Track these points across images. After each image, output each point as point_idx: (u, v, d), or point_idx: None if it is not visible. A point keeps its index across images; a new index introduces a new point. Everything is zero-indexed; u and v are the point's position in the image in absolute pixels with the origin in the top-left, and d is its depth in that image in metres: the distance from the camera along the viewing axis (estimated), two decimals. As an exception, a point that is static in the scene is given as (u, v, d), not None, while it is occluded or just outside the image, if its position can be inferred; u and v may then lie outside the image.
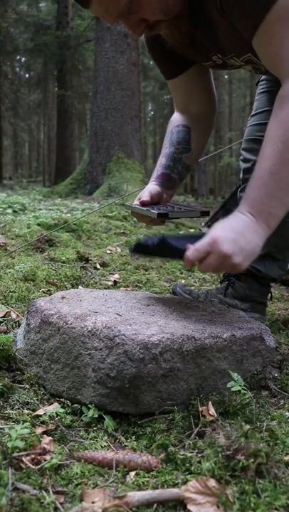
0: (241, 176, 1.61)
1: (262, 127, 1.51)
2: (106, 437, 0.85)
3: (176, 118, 1.46)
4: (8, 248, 2.38)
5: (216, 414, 0.87)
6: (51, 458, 0.73)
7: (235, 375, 0.93)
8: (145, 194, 1.29)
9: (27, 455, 0.74)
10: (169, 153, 1.41)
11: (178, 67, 1.36)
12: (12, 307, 1.49)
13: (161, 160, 1.42)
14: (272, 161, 0.99)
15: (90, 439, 0.84)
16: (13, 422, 0.86)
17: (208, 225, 4.50)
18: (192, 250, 0.99)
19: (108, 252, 2.73)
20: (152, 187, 1.34)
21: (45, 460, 0.74)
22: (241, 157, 1.61)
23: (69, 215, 3.92)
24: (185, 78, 1.37)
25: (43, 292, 1.70)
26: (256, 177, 1.02)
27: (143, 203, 1.27)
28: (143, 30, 1.08)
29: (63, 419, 0.88)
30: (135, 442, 0.83)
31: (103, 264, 2.33)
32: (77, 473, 0.72)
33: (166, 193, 1.36)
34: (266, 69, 1.21)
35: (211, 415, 0.87)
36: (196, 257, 0.99)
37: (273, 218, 1.01)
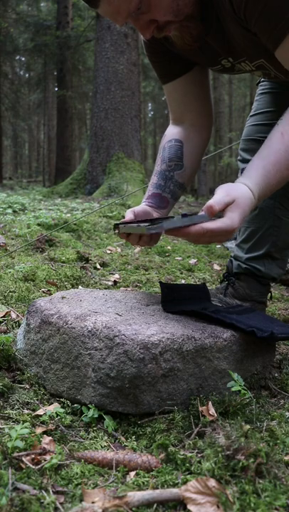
0: (239, 175, 1.61)
1: (261, 128, 1.51)
2: (106, 437, 0.85)
3: (170, 132, 1.42)
4: (8, 248, 2.38)
5: (216, 414, 0.87)
6: (51, 458, 0.73)
7: (235, 375, 0.93)
8: (128, 214, 1.24)
9: (27, 455, 0.74)
10: (160, 171, 1.37)
11: (177, 70, 1.32)
12: (12, 307, 1.49)
13: (153, 179, 1.38)
14: (280, 163, 1.02)
15: (90, 439, 0.84)
16: (13, 422, 0.86)
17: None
18: (205, 232, 0.95)
19: (108, 252, 2.73)
20: (139, 206, 1.31)
21: (45, 460, 0.74)
22: (239, 157, 1.61)
23: (69, 215, 3.92)
24: (183, 82, 1.33)
25: (43, 292, 1.70)
26: (272, 161, 1.03)
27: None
28: (152, 32, 1.05)
29: (63, 419, 0.88)
30: (135, 442, 0.83)
31: (103, 264, 2.33)
32: (77, 473, 0.72)
33: (159, 213, 1.33)
34: (275, 74, 1.20)
35: (211, 415, 0.87)
36: (214, 210, 0.97)
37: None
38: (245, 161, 1.57)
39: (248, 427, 0.76)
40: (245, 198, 1.01)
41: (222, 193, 1.00)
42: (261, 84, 1.55)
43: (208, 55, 1.21)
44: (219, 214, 0.99)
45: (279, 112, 1.46)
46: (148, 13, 1.01)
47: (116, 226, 1.13)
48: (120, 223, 1.13)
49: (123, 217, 4.34)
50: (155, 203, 1.34)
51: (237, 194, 1.00)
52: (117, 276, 2.12)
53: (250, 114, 1.57)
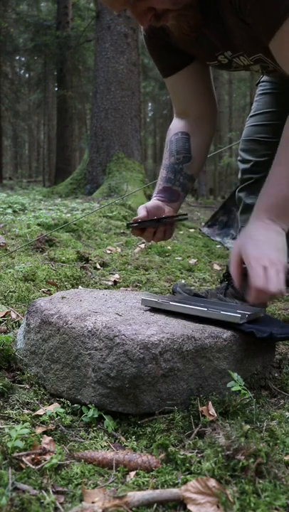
0: (239, 176, 1.61)
1: (261, 128, 1.51)
2: (106, 437, 0.85)
3: (175, 125, 1.41)
4: (8, 248, 2.38)
5: (216, 414, 0.87)
6: (51, 458, 0.73)
7: (235, 375, 0.93)
8: (141, 210, 1.26)
9: (27, 455, 0.74)
10: (168, 164, 1.37)
11: (177, 63, 1.31)
12: (12, 307, 1.49)
13: (162, 173, 1.37)
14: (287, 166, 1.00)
15: (90, 439, 0.84)
16: (13, 422, 0.86)
17: (209, 225, 4.50)
18: (256, 288, 0.94)
19: (108, 252, 2.73)
20: (151, 202, 1.31)
21: (45, 460, 0.74)
22: (239, 158, 1.61)
23: (69, 215, 3.92)
24: (184, 75, 1.32)
25: (43, 292, 1.70)
26: (274, 182, 1.02)
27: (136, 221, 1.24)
28: (150, 20, 1.04)
29: (63, 419, 0.88)
30: (135, 442, 0.83)
31: (103, 264, 2.33)
32: (77, 473, 0.72)
33: (171, 207, 1.33)
34: (274, 67, 1.20)
35: (211, 415, 0.87)
36: (264, 289, 0.94)
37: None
38: (245, 162, 1.57)
39: (248, 427, 0.76)
40: (243, 235, 1.03)
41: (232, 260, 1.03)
42: (261, 84, 1.54)
43: (206, 49, 1.20)
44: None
45: (279, 113, 1.47)
46: (146, 1, 1.00)
47: (128, 226, 1.20)
48: (132, 223, 1.20)
49: (123, 217, 4.31)
50: (166, 197, 1.34)
51: (236, 245, 1.03)
52: (117, 276, 2.12)
53: (250, 114, 1.57)
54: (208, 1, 1.05)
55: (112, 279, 2.04)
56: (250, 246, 0.99)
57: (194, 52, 1.27)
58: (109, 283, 1.99)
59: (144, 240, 3.26)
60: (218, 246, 3.59)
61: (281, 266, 0.96)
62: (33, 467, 0.72)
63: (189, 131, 1.37)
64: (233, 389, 0.91)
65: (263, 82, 1.54)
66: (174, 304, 1.08)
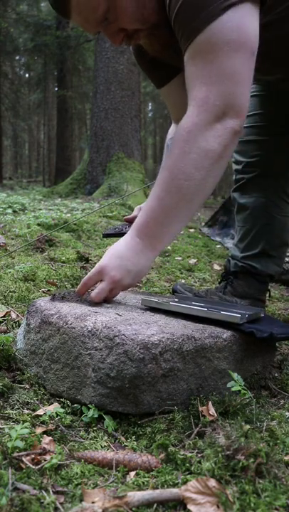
0: (234, 177, 1.64)
1: (250, 130, 1.55)
2: (106, 437, 0.85)
3: (172, 131, 1.45)
4: (8, 248, 2.38)
5: (216, 414, 0.87)
6: (51, 458, 0.73)
7: (235, 375, 0.93)
8: (135, 211, 1.30)
9: (27, 455, 0.74)
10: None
11: (165, 75, 1.35)
12: (12, 307, 1.49)
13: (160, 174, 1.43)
14: (160, 187, 1.03)
15: (90, 439, 0.84)
16: (13, 422, 0.86)
17: (209, 225, 4.50)
18: (83, 283, 1.08)
19: (108, 252, 2.72)
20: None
21: (45, 460, 0.74)
22: (233, 159, 1.64)
23: (69, 215, 3.92)
24: (175, 84, 1.35)
25: (43, 292, 1.70)
26: (147, 202, 1.06)
27: (128, 220, 1.30)
28: (122, 40, 1.09)
29: (63, 419, 0.88)
30: (135, 442, 0.83)
31: (103, 264, 2.32)
32: (77, 473, 0.72)
33: None
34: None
35: (211, 415, 0.87)
36: (87, 286, 1.09)
37: (159, 242, 1.06)
38: (238, 163, 1.60)
39: (248, 427, 0.76)
40: (116, 243, 1.08)
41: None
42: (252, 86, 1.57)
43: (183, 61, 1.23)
44: None
45: (265, 114, 1.51)
46: (116, 22, 1.05)
47: (104, 236, 1.29)
48: (108, 233, 1.28)
49: (123, 216, 4.33)
50: None
51: (110, 250, 1.09)
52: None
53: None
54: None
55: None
56: (107, 257, 1.06)
57: (177, 64, 1.29)
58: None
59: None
60: (218, 246, 3.59)
61: (118, 285, 1.06)
62: (33, 467, 0.72)
63: None
64: (233, 389, 0.91)
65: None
66: (174, 304, 1.08)
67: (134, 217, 1.24)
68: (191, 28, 0.95)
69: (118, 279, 1.04)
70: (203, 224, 4.90)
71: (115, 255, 1.06)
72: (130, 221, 1.26)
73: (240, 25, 0.92)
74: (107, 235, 1.27)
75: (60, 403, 0.94)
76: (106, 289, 1.06)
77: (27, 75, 20.90)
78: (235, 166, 1.62)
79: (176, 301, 1.11)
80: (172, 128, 1.45)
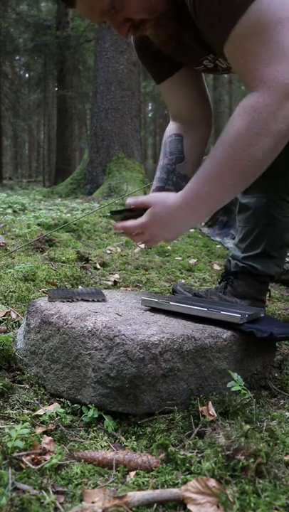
0: None
1: None
2: (106, 437, 0.85)
3: (170, 128, 1.44)
4: (8, 248, 2.38)
5: (216, 414, 0.87)
6: (51, 458, 0.73)
7: (235, 375, 0.93)
8: (128, 201, 1.31)
9: (27, 455, 0.74)
10: (162, 165, 1.40)
11: (167, 70, 1.33)
12: (12, 307, 1.49)
13: (156, 174, 1.41)
14: (220, 164, 1.02)
15: (90, 439, 0.84)
16: (13, 422, 0.86)
17: (209, 225, 4.50)
18: (125, 228, 1.13)
19: (108, 252, 2.73)
20: None
21: (45, 460, 0.74)
22: None
23: (69, 215, 3.92)
24: (175, 80, 1.34)
25: (43, 292, 1.70)
26: (203, 174, 1.05)
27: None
28: (128, 30, 1.07)
29: (63, 419, 0.88)
30: (135, 442, 0.83)
31: (103, 264, 2.33)
32: (77, 473, 0.72)
33: None
34: None
35: (211, 415, 0.87)
36: (129, 233, 1.15)
37: (206, 213, 1.11)
38: None
39: (248, 427, 0.76)
40: (162, 203, 1.10)
41: (146, 198, 1.14)
42: None
43: (190, 54, 1.22)
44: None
45: None
46: (122, 12, 1.02)
47: (113, 213, 1.25)
48: (116, 210, 1.26)
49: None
50: None
51: (155, 201, 1.11)
52: (117, 276, 2.12)
53: None
54: (182, 9, 1.06)
55: (112, 279, 2.04)
56: (151, 214, 1.09)
57: (180, 59, 1.29)
58: (109, 283, 1.99)
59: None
60: (218, 246, 3.59)
61: (154, 243, 1.17)
62: (33, 467, 0.72)
63: (182, 132, 1.39)
64: (233, 389, 0.91)
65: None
66: (174, 304, 1.08)
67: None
68: (229, 15, 0.93)
69: (156, 238, 1.15)
70: (203, 224, 4.90)
71: (160, 223, 1.10)
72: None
73: (285, 1, 0.92)
74: (115, 212, 1.25)
75: (60, 403, 0.94)
76: (139, 237, 1.14)
77: (27, 75, 20.91)
78: None
79: (176, 301, 1.11)
80: (171, 126, 1.43)
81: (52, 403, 0.94)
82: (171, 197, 1.10)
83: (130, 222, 1.13)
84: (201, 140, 1.43)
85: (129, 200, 1.16)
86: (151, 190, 1.39)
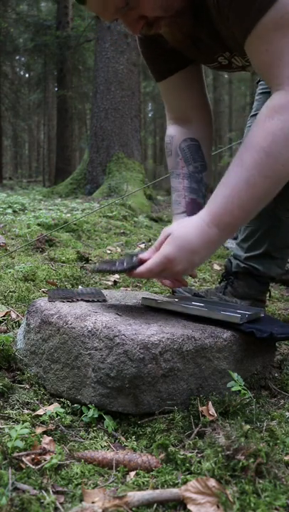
0: None
1: None
2: (106, 437, 0.85)
3: (179, 131, 1.31)
4: (8, 248, 2.38)
5: (216, 414, 0.87)
6: (51, 458, 0.73)
7: (235, 375, 0.93)
8: (161, 236, 1.10)
9: (27, 455, 0.74)
10: (189, 173, 1.27)
11: (173, 65, 1.25)
12: (12, 307, 1.49)
13: (183, 182, 1.27)
14: (251, 171, 0.93)
15: (90, 439, 0.84)
16: (13, 422, 0.86)
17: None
18: (145, 271, 0.98)
19: (108, 252, 2.73)
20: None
21: (45, 460, 0.74)
22: None
23: (69, 215, 3.92)
24: (181, 77, 1.26)
25: (43, 292, 1.70)
26: (231, 186, 0.95)
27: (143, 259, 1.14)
28: (142, 28, 1.02)
29: (63, 419, 0.88)
30: (135, 442, 0.83)
31: (103, 264, 2.33)
32: (77, 473, 0.72)
33: None
34: None
35: (211, 415, 0.87)
36: (149, 276, 0.99)
37: (236, 230, 1.00)
38: None
39: (248, 427, 0.76)
40: (184, 227, 0.98)
41: (160, 236, 1.02)
42: (261, 83, 1.53)
43: (205, 51, 1.17)
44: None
45: None
46: (137, 9, 0.96)
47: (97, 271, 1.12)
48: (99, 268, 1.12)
49: (123, 217, 4.28)
50: (193, 213, 1.24)
51: (172, 228, 1.00)
52: (117, 276, 2.12)
53: (251, 114, 1.57)
54: (199, 6, 1.02)
55: (112, 279, 2.04)
56: (177, 246, 0.97)
57: (193, 56, 1.23)
58: (109, 283, 1.99)
59: (143, 240, 3.26)
60: (218, 246, 3.59)
61: (178, 274, 1.00)
62: (33, 467, 0.72)
63: (197, 136, 1.30)
64: (233, 389, 0.91)
65: (263, 80, 1.53)
66: (174, 304, 1.08)
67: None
68: (257, 6, 0.89)
69: (181, 271, 1.00)
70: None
71: (186, 248, 0.96)
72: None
73: None
74: (99, 271, 1.10)
75: (60, 403, 0.94)
76: (163, 276, 1.01)
77: (27, 75, 20.91)
78: None
79: (176, 301, 1.11)
80: (177, 129, 1.33)
81: (52, 403, 0.94)
82: (191, 219, 0.99)
83: (151, 261, 0.97)
84: (211, 143, 1.34)
85: (143, 255, 1.01)
86: (183, 204, 1.26)
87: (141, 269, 0.98)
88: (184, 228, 0.99)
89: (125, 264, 1.00)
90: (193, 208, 1.24)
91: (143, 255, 1.00)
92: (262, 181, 0.93)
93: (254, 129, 0.95)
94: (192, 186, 1.27)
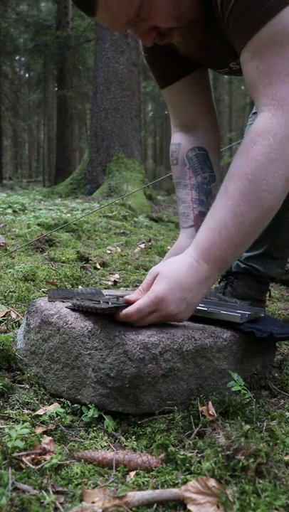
0: None
1: None
2: (106, 437, 0.85)
3: (186, 139, 1.26)
4: (8, 248, 2.38)
5: (216, 414, 0.87)
6: (51, 458, 0.73)
7: (235, 375, 0.93)
8: (148, 277, 1.06)
9: (27, 455, 0.74)
10: (197, 184, 1.22)
11: (181, 70, 1.21)
12: (12, 307, 1.49)
13: (191, 194, 1.22)
14: (236, 200, 0.88)
15: (90, 439, 0.84)
16: (13, 422, 0.86)
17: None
18: (135, 311, 0.90)
19: (108, 252, 2.73)
20: (186, 240, 1.16)
21: (45, 460, 0.74)
22: None
23: (69, 215, 3.92)
24: (189, 82, 1.22)
25: (43, 292, 1.70)
26: (217, 217, 0.90)
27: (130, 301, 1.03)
28: (154, 39, 0.98)
29: (63, 419, 0.88)
30: (135, 442, 0.83)
31: (103, 264, 2.33)
32: (77, 473, 0.72)
33: None
34: None
35: (211, 415, 0.87)
36: (138, 318, 0.91)
37: (227, 265, 0.94)
38: None
39: (248, 427, 0.76)
40: (172, 265, 0.92)
41: (147, 277, 0.95)
42: None
43: (216, 57, 1.14)
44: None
45: None
46: (149, 20, 0.93)
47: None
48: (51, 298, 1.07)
49: (123, 217, 4.29)
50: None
51: (159, 268, 0.93)
52: (117, 276, 2.12)
53: (252, 111, 1.56)
54: (210, 11, 0.99)
55: (112, 279, 2.04)
56: (167, 283, 0.89)
57: (204, 62, 1.20)
58: (109, 283, 1.99)
59: (143, 240, 3.26)
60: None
61: (171, 319, 0.92)
62: (33, 467, 0.72)
63: (205, 145, 1.25)
64: (233, 389, 0.91)
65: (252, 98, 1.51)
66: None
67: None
68: (255, 18, 0.85)
69: (175, 314, 0.91)
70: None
71: (177, 287, 0.89)
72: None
73: None
74: (80, 307, 1.00)
75: (60, 403, 0.94)
76: (155, 321, 0.92)
77: (27, 75, 20.92)
78: None
79: None
80: (183, 136, 1.27)
81: (52, 403, 0.94)
82: (179, 257, 0.93)
83: (140, 301, 0.90)
84: (219, 151, 1.30)
85: (129, 296, 0.93)
86: (191, 216, 1.21)
87: (129, 309, 0.90)
88: (173, 266, 0.92)
89: (110, 303, 0.93)
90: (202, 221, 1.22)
91: (130, 296, 0.93)
92: (248, 210, 0.88)
93: (238, 156, 0.91)
94: (201, 198, 1.22)
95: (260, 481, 0.68)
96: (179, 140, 1.29)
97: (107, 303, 0.94)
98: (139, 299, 0.91)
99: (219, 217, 0.90)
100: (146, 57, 1.26)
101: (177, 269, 0.92)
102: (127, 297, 0.93)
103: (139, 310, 0.90)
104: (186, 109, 1.27)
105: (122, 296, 0.98)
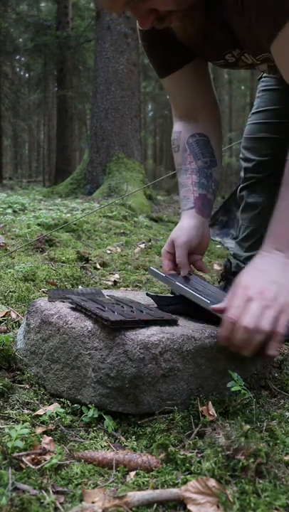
0: (242, 174, 1.59)
1: (263, 127, 1.49)
2: (106, 437, 0.85)
3: (187, 127, 1.28)
4: (8, 248, 2.38)
5: (216, 414, 0.87)
6: (51, 458, 0.73)
7: (235, 375, 0.93)
8: (180, 253, 1.13)
9: (27, 455, 0.74)
10: (198, 168, 1.22)
11: (179, 60, 1.21)
12: (12, 307, 1.49)
13: (192, 177, 1.22)
14: None
15: (90, 439, 0.84)
16: (13, 422, 0.86)
17: (209, 225, 4.49)
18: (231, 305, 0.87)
19: (108, 252, 2.73)
20: (185, 224, 1.17)
21: (45, 460, 0.74)
22: (241, 155, 1.59)
23: (69, 215, 3.92)
24: (188, 71, 1.21)
25: (43, 292, 1.70)
26: (284, 209, 0.95)
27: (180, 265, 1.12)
28: (152, 22, 0.98)
29: (63, 419, 0.88)
30: (135, 442, 0.83)
31: (103, 264, 2.33)
32: (77, 473, 0.72)
33: (205, 227, 1.19)
34: None
35: (211, 415, 0.87)
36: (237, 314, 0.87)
37: None
38: (248, 160, 1.55)
39: (248, 427, 0.76)
40: (248, 265, 0.95)
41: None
42: (263, 80, 1.51)
43: (212, 48, 1.14)
44: None
45: (282, 110, 1.44)
46: (148, 2, 0.93)
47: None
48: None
49: (123, 217, 4.27)
50: (204, 208, 1.20)
51: (240, 274, 0.94)
52: (117, 276, 2.12)
53: (252, 111, 1.55)
54: (213, 1, 1.00)
55: (112, 279, 2.04)
56: (246, 274, 0.91)
57: (199, 51, 1.21)
58: (109, 283, 1.99)
59: (143, 240, 3.26)
60: (218, 246, 3.59)
61: (274, 303, 0.85)
62: (33, 467, 0.72)
63: (206, 132, 1.26)
64: (233, 389, 0.91)
65: (265, 77, 1.51)
66: (178, 285, 1.06)
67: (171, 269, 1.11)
68: (286, 5, 0.85)
69: (272, 296, 0.86)
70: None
71: (255, 273, 0.90)
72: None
73: None
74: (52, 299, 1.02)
75: (60, 403, 0.94)
76: (259, 310, 0.85)
77: (27, 75, 20.92)
78: (244, 164, 1.56)
79: (181, 283, 1.08)
80: (185, 125, 1.29)
81: (52, 403, 0.94)
82: (261, 262, 0.94)
83: (231, 298, 0.88)
84: (221, 139, 1.31)
85: (217, 305, 0.93)
86: (192, 199, 1.21)
87: (224, 322, 0.88)
88: (249, 265, 0.95)
89: (116, 313, 0.94)
90: (203, 203, 1.20)
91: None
92: None
93: None
94: (201, 181, 1.22)
95: (260, 481, 0.68)
96: (179, 128, 1.30)
97: (113, 312, 0.94)
98: (233, 294, 0.90)
99: (286, 208, 0.94)
100: (144, 45, 1.25)
101: (251, 265, 0.95)
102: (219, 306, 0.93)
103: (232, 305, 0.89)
104: (186, 99, 1.28)
105: (121, 299, 0.99)
